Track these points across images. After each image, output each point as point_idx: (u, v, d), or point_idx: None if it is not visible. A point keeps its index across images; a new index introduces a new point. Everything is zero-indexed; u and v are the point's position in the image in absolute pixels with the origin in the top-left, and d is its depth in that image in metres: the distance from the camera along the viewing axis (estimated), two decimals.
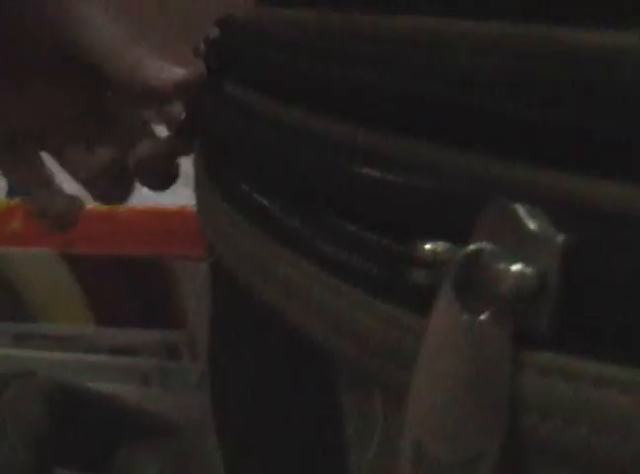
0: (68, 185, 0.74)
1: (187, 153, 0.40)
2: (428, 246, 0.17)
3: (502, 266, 0.16)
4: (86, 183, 0.43)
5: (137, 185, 0.77)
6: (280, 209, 0.22)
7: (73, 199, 0.41)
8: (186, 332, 0.62)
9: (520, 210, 0.16)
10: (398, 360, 0.18)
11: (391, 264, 0.19)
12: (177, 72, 0.37)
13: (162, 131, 0.44)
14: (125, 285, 0.62)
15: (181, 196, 0.66)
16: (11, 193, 0.70)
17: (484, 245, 0.17)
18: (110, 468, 0.33)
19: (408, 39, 0.19)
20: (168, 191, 0.74)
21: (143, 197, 0.74)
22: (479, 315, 0.17)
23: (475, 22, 0.17)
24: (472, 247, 0.17)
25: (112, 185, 0.43)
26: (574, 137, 0.16)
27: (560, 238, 0.16)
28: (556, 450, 0.16)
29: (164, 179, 0.41)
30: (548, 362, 0.16)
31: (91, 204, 0.62)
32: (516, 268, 0.16)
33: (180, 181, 0.72)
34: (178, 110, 0.39)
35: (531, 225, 0.16)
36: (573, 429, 0.16)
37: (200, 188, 0.30)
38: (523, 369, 0.16)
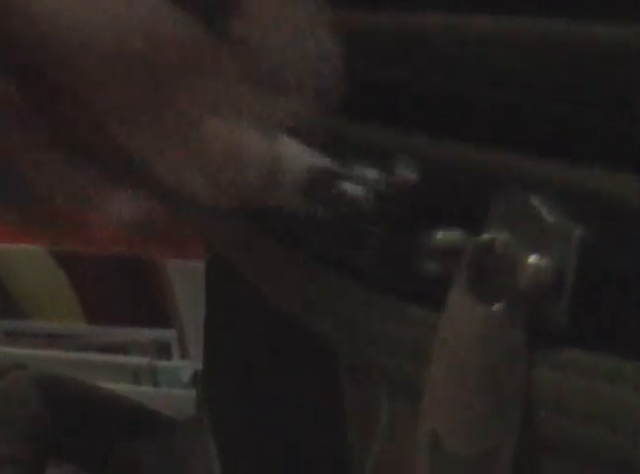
0: None
1: None
2: (440, 235, 0.17)
3: (518, 256, 0.16)
4: None
5: None
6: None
7: None
8: (177, 330, 0.61)
9: (536, 202, 0.16)
10: (405, 354, 0.18)
11: (401, 255, 0.18)
12: None
13: None
14: (117, 284, 0.62)
15: None
16: None
17: (498, 234, 0.16)
18: (107, 464, 0.33)
19: (416, 35, 0.19)
20: None
21: None
22: (493, 305, 0.16)
23: (489, 17, 0.17)
24: (486, 236, 0.17)
25: None
26: (590, 133, 0.16)
27: (577, 231, 0.16)
28: (568, 445, 0.16)
29: None
30: (562, 357, 0.16)
31: None
32: (532, 259, 0.16)
33: None
34: None
35: (548, 217, 0.16)
36: (585, 424, 0.16)
37: None
38: (537, 363, 0.16)
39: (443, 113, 0.18)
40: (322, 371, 0.22)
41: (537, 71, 0.16)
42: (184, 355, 0.62)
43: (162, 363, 0.61)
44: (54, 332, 0.62)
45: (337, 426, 0.22)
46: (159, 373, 0.61)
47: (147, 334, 0.62)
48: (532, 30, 0.17)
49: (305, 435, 0.24)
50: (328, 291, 0.20)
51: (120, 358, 0.61)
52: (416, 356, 0.18)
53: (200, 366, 0.34)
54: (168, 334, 0.62)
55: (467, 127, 0.18)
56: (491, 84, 0.17)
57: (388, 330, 0.19)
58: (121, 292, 0.62)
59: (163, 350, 0.62)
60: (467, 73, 0.17)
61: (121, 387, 0.58)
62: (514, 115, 0.17)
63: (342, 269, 0.20)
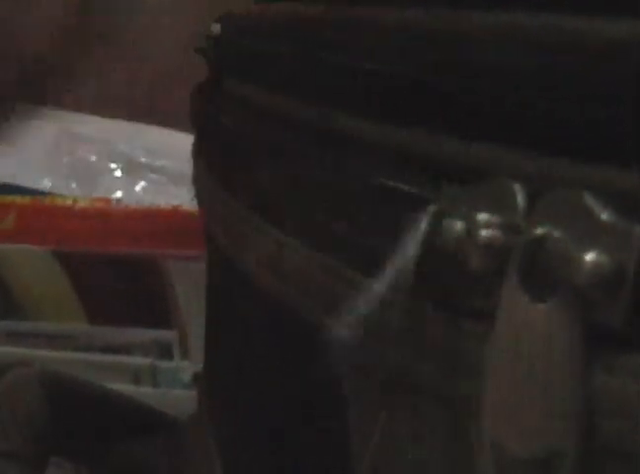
0: (63, 181, 0.74)
1: None
2: (485, 232, 0.16)
3: (572, 253, 0.16)
4: None
5: (131, 184, 0.78)
6: (289, 203, 0.22)
7: None
8: (178, 331, 0.61)
9: (589, 200, 0.16)
10: (406, 349, 0.18)
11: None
12: None
13: None
14: (118, 284, 0.62)
15: (175, 195, 0.66)
16: (3, 190, 0.69)
17: (552, 230, 0.16)
18: (106, 461, 0.33)
19: (416, 31, 0.19)
20: (161, 190, 0.75)
21: (137, 195, 0.74)
22: (546, 302, 0.16)
23: (485, 13, 0.17)
24: (538, 231, 0.16)
25: None
26: (626, 131, 0.16)
27: (637, 230, 0.15)
28: (624, 452, 0.16)
29: None
30: (621, 361, 0.16)
31: (83, 202, 0.62)
32: (590, 255, 0.15)
33: (173, 181, 0.73)
34: None
35: (603, 215, 0.16)
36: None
37: (199, 183, 0.31)
38: (594, 367, 0.16)
39: (468, 116, 0.18)
40: (322, 370, 0.22)
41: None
42: (185, 356, 0.62)
43: (163, 364, 0.61)
44: (56, 332, 0.62)
45: (337, 424, 0.22)
46: (160, 374, 0.61)
47: (148, 335, 0.62)
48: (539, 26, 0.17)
49: (306, 435, 0.24)
50: (325, 282, 0.21)
51: (122, 359, 0.61)
52: (416, 351, 0.18)
53: (201, 367, 0.34)
54: (169, 335, 0.62)
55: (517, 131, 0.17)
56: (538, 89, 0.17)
57: (390, 325, 0.19)
58: (123, 293, 0.62)
59: (164, 350, 0.62)
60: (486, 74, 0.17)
61: (122, 387, 0.58)
62: (549, 119, 0.17)
63: (347, 261, 0.20)
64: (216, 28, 0.31)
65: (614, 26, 0.16)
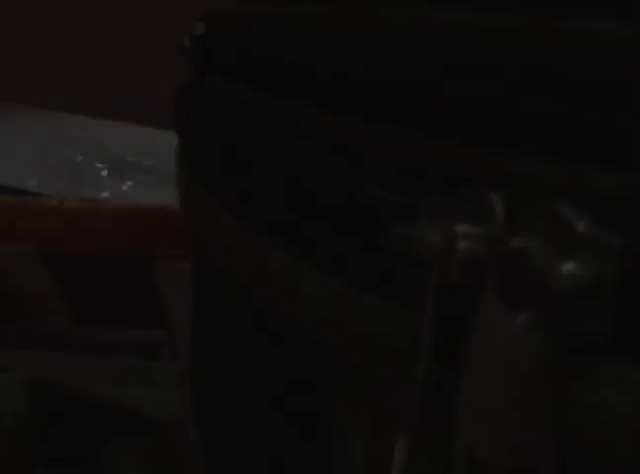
0: (52, 183, 0.74)
1: None
2: (463, 243, 0.16)
3: (549, 265, 0.15)
4: None
5: (118, 183, 0.77)
6: (272, 207, 0.22)
7: None
8: (167, 331, 0.61)
9: (566, 210, 0.16)
10: (387, 355, 0.18)
11: (382, 259, 0.18)
12: None
13: None
14: (106, 284, 0.61)
15: (162, 195, 0.66)
16: None
17: (530, 242, 0.16)
18: (92, 467, 0.33)
19: (398, 29, 0.19)
20: (149, 189, 0.74)
21: (124, 195, 0.74)
22: (523, 315, 0.16)
23: (470, 13, 0.17)
24: (515, 243, 0.16)
25: None
26: (608, 134, 0.15)
27: (615, 240, 0.15)
28: (605, 463, 0.16)
29: None
30: (600, 371, 0.16)
31: (71, 202, 0.62)
32: (569, 267, 0.15)
33: (161, 180, 0.72)
34: None
35: (580, 226, 0.15)
36: (624, 441, 0.15)
37: (183, 187, 0.30)
38: (573, 378, 0.16)
39: (442, 114, 0.18)
40: (307, 373, 0.22)
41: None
42: (174, 356, 0.62)
43: (152, 364, 0.61)
44: (44, 333, 0.62)
45: (322, 427, 0.22)
46: (149, 374, 0.61)
47: (137, 335, 0.62)
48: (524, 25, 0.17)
49: (290, 438, 0.24)
50: (313, 289, 0.21)
51: (110, 359, 0.61)
52: (398, 357, 0.18)
53: None
54: (158, 335, 0.62)
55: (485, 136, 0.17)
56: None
57: (369, 330, 0.19)
58: (110, 294, 0.62)
59: (153, 350, 0.62)
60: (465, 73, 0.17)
61: (111, 388, 0.58)
62: (532, 121, 0.16)
63: (326, 266, 0.20)
64: (200, 27, 0.31)
65: (606, 27, 0.16)
